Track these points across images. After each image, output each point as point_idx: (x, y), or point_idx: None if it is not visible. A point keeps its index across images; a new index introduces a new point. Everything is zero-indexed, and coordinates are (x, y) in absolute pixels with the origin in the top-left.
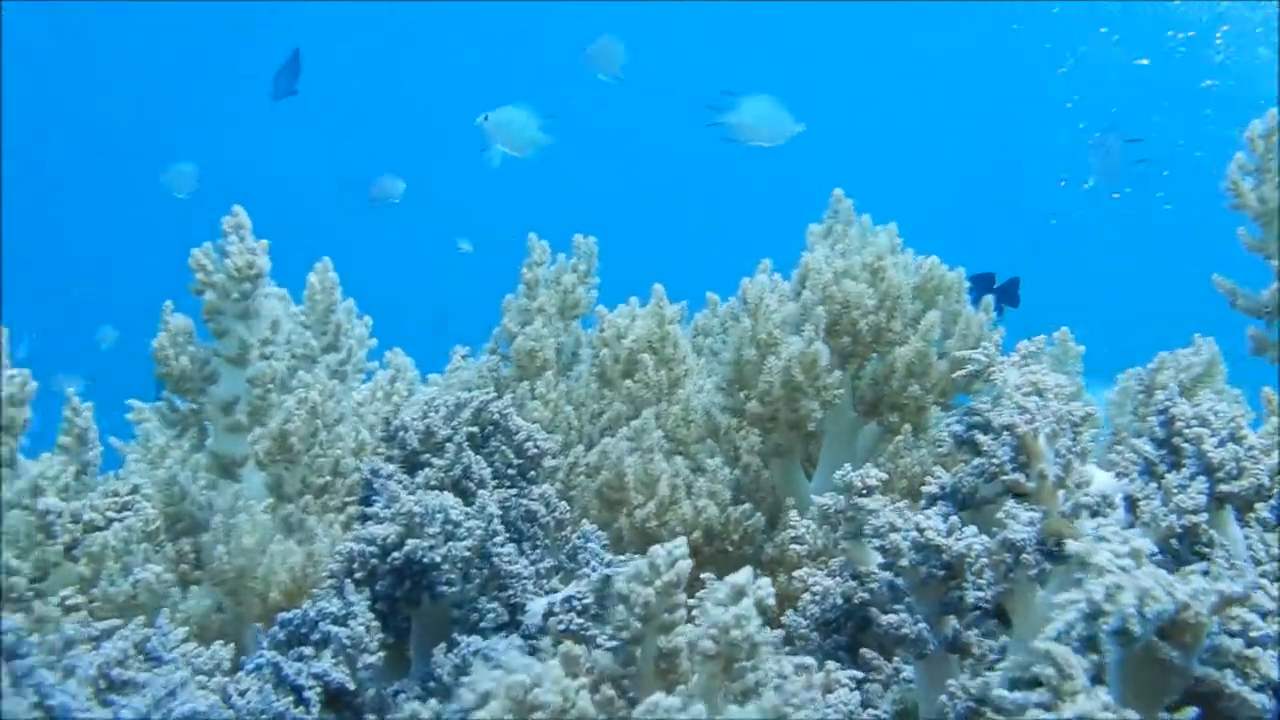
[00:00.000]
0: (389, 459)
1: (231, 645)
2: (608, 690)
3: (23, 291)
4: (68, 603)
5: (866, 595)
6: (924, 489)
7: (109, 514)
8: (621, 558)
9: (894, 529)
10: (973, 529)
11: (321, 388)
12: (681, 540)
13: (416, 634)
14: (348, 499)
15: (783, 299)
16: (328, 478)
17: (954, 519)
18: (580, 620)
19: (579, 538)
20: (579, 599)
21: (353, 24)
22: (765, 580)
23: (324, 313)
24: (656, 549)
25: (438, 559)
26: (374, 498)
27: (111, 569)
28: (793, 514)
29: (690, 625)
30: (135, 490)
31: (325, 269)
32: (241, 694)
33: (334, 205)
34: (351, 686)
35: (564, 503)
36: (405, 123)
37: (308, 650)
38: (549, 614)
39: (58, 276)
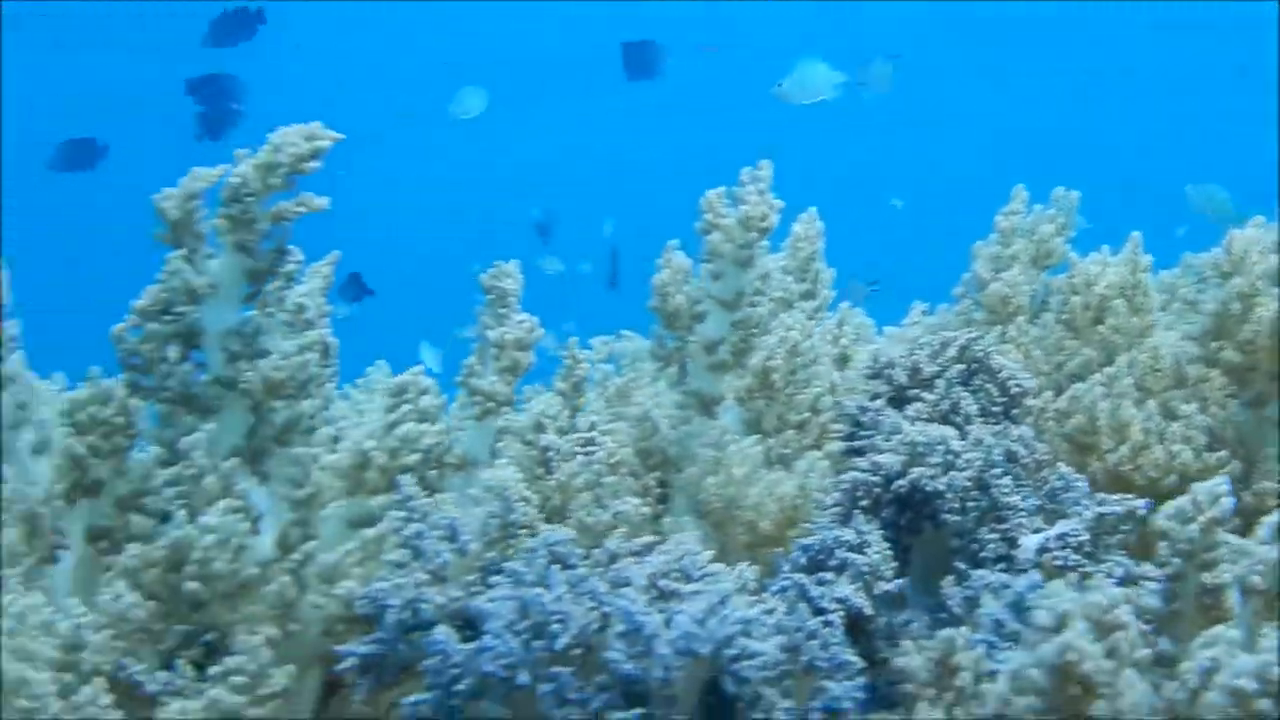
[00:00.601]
0: (875, 395)
1: (757, 567)
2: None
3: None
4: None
5: None
6: None
7: (574, 450)
8: (1114, 497)
9: None
10: None
11: (801, 328)
12: (1223, 478)
13: (916, 564)
14: (826, 435)
15: (1263, 252)
16: (805, 414)
17: None
18: (1076, 557)
19: (1058, 479)
20: (1073, 535)
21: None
22: None
23: (805, 260)
24: (1198, 486)
25: (940, 487)
26: (861, 433)
27: (584, 500)
28: None
29: None
30: (593, 427)
31: (811, 219)
32: (769, 612)
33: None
34: (869, 613)
35: (1042, 444)
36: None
37: (828, 575)
38: (1043, 549)
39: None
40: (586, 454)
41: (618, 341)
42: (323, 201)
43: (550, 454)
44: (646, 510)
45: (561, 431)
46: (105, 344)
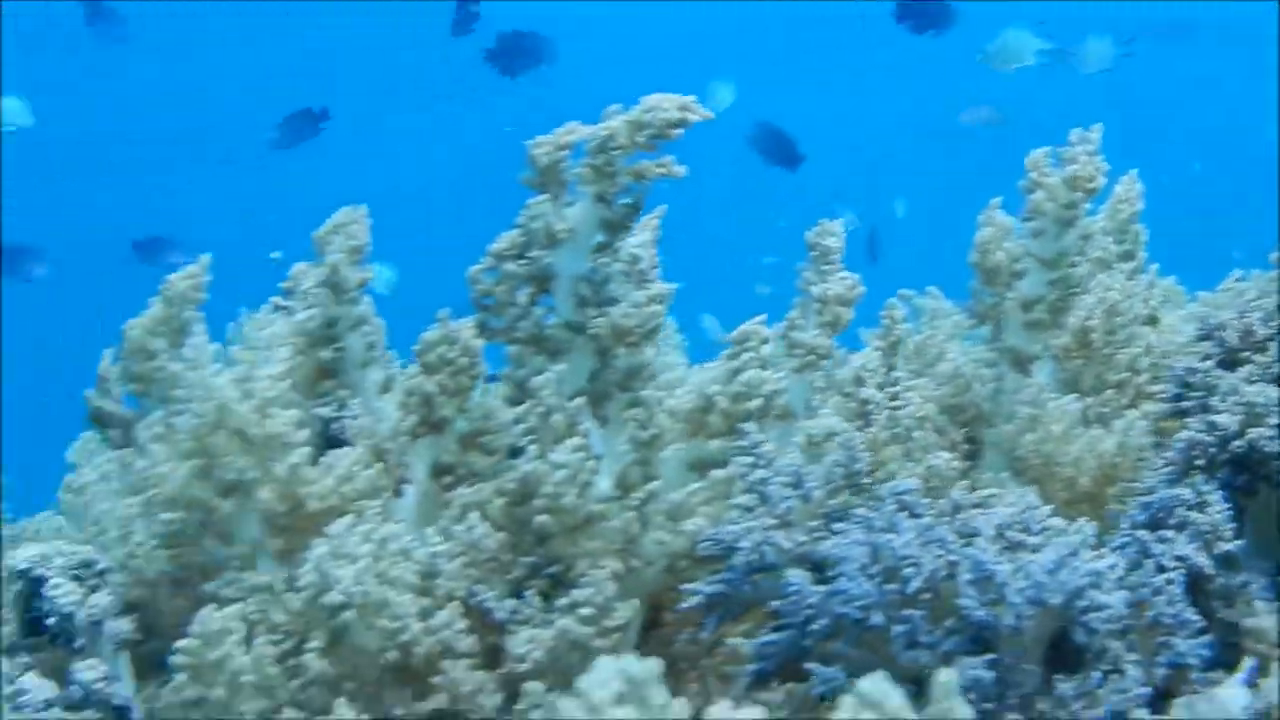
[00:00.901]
0: (1205, 357)
1: (1093, 522)
2: None
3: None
4: None
5: None
6: None
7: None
8: None
9: None
10: None
11: (1120, 288)
12: None
13: (1251, 526)
14: (1143, 395)
15: None
16: (1124, 374)
17: None
18: None
19: None
20: None
21: None
22: None
23: (1124, 221)
24: None
25: (1279, 449)
26: (1190, 394)
27: (894, 454)
28: None
29: None
30: (897, 382)
31: (1132, 181)
32: (1110, 568)
33: None
34: (1210, 572)
35: None
36: None
37: (1168, 533)
38: None
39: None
40: (894, 408)
41: (920, 298)
42: (682, 169)
43: (869, 407)
44: (957, 465)
45: (880, 387)
46: None
